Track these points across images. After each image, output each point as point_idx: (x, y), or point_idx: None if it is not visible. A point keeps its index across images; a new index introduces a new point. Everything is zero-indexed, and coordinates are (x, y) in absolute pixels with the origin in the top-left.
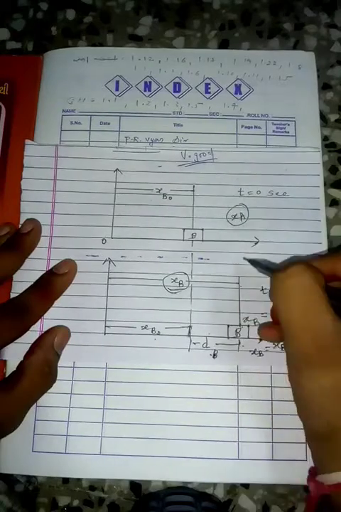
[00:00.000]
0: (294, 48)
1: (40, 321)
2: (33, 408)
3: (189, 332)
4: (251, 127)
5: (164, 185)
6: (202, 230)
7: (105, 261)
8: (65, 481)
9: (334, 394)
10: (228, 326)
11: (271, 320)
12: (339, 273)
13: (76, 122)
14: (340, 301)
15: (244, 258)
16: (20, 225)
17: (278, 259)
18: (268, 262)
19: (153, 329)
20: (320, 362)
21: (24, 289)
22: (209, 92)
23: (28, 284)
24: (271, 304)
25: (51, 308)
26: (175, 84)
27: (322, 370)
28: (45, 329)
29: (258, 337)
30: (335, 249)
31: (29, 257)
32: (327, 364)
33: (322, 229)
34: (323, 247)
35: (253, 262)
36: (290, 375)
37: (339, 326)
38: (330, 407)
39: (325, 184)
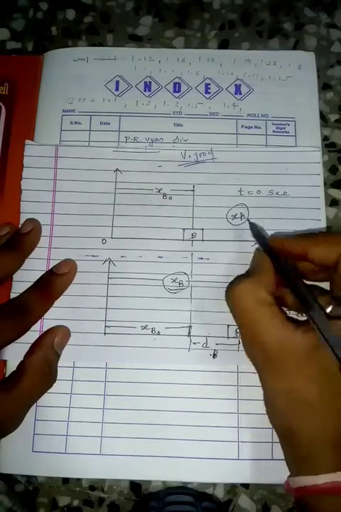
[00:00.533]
0: (294, 48)
1: (40, 321)
2: (33, 408)
3: (189, 332)
4: (251, 127)
5: (164, 185)
6: (202, 229)
7: (105, 261)
8: (65, 481)
9: (288, 398)
10: (228, 325)
11: None
12: (309, 256)
13: (76, 122)
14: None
15: (248, 219)
16: (20, 225)
17: None
18: (264, 233)
19: (153, 329)
20: (271, 367)
21: (24, 289)
22: (209, 92)
23: (28, 284)
24: None
25: (51, 308)
26: (175, 84)
27: (275, 375)
28: (45, 329)
29: None
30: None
31: (29, 257)
32: (277, 369)
33: (322, 229)
34: None
35: (252, 225)
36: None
37: (285, 335)
38: (285, 409)
39: (325, 184)
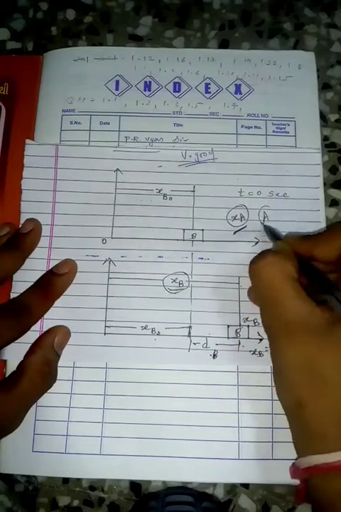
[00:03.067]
0: (294, 48)
1: (40, 321)
2: (33, 408)
3: (189, 332)
4: (251, 127)
5: (164, 186)
6: (202, 230)
7: (105, 261)
8: (65, 481)
9: (301, 368)
10: (228, 326)
11: None
12: (315, 255)
13: (76, 122)
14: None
15: (262, 223)
16: (20, 225)
17: None
18: (277, 232)
19: (153, 329)
20: (289, 337)
21: (24, 288)
22: (209, 92)
23: (29, 284)
24: None
25: (51, 308)
26: (174, 84)
27: (291, 344)
28: (45, 329)
29: (259, 337)
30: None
31: (29, 256)
32: (295, 340)
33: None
34: None
35: (266, 228)
36: (270, 352)
37: (306, 308)
38: (298, 379)
39: (325, 184)
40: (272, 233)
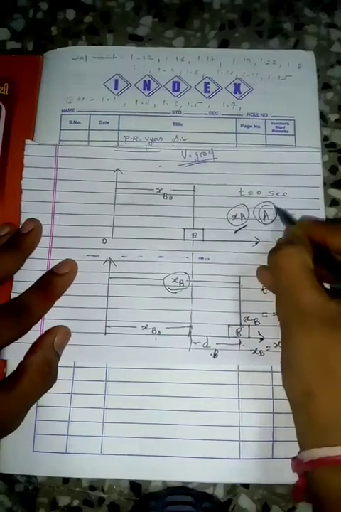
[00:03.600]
0: (294, 47)
1: (40, 321)
2: (33, 408)
3: (189, 332)
4: (251, 126)
5: (164, 185)
6: (203, 229)
7: (106, 261)
8: (65, 481)
9: (313, 356)
10: (229, 325)
11: None
12: (328, 244)
13: (75, 121)
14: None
15: (274, 206)
16: (20, 225)
17: None
18: (290, 216)
19: (153, 329)
20: (303, 326)
21: (25, 288)
22: (209, 91)
23: (29, 284)
24: (271, 303)
25: (52, 308)
26: (174, 83)
27: (303, 331)
28: (45, 329)
29: (259, 336)
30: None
31: (30, 256)
32: (309, 329)
33: None
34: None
35: (278, 210)
36: (281, 339)
37: (320, 300)
38: (308, 368)
39: (324, 184)
40: (285, 216)
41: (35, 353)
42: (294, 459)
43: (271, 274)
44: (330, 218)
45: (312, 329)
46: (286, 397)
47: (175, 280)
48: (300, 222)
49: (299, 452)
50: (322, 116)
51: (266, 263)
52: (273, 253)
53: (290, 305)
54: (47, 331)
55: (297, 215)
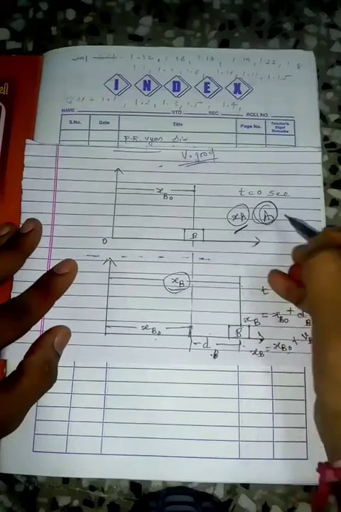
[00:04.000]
0: (294, 47)
1: (40, 320)
2: (33, 408)
3: (189, 332)
4: (251, 126)
5: (165, 185)
6: (203, 230)
7: (106, 261)
8: (65, 481)
9: None
10: (229, 326)
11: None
12: None
13: (75, 121)
14: None
15: (285, 215)
16: (20, 225)
17: (278, 260)
18: (305, 224)
19: (153, 329)
20: None
21: (25, 288)
22: (209, 91)
23: (29, 284)
24: (271, 303)
25: (52, 308)
26: (174, 83)
27: None
28: (45, 329)
29: (259, 337)
30: None
31: (30, 256)
32: None
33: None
34: None
35: (292, 221)
36: (315, 349)
37: None
38: None
39: (325, 184)
40: (304, 228)
41: (35, 352)
42: (323, 466)
43: (304, 281)
44: (329, 218)
45: None
46: (286, 398)
47: (175, 280)
48: (325, 231)
49: (331, 461)
50: (322, 116)
51: (266, 263)
52: (308, 259)
53: (331, 313)
54: (47, 331)
55: (298, 214)
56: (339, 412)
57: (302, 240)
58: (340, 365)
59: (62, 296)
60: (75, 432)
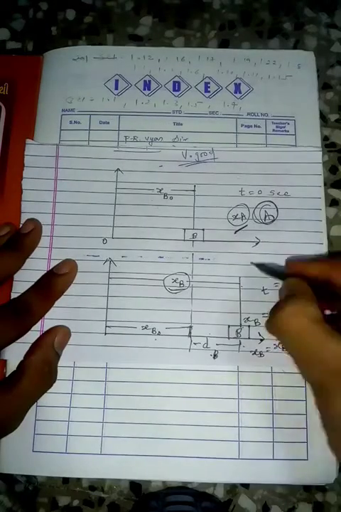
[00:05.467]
0: (294, 48)
1: (40, 320)
2: (33, 408)
3: (189, 332)
4: (251, 126)
5: (165, 185)
6: (203, 230)
7: (106, 261)
8: (65, 481)
9: None
10: (229, 326)
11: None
12: (333, 280)
13: (75, 121)
14: None
15: (251, 263)
16: (20, 225)
17: (278, 260)
18: (274, 266)
19: (153, 329)
20: (338, 386)
21: (25, 288)
22: (209, 91)
23: (29, 284)
24: (271, 303)
25: (52, 308)
26: (174, 83)
27: None
28: (45, 329)
29: (259, 337)
30: (332, 254)
31: (30, 256)
32: None
33: (323, 229)
34: (324, 248)
35: (260, 266)
36: (316, 403)
37: None
38: None
39: (325, 184)
40: (271, 271)
41: (35, 352)
42: None
43: (279, 340)
44: (329, 218)
45: None
46: (286, 398)
47: (175, 280)
48: (291, 262)
49: None
50: (322, 116)
51: (270, 265)
52: (273, 316)
53: (314, 367)
54: (47, 331)
55: (298, 214)
56: None
57: (302, 242)
58: None
59: (62, 296)
60: (75, 432)
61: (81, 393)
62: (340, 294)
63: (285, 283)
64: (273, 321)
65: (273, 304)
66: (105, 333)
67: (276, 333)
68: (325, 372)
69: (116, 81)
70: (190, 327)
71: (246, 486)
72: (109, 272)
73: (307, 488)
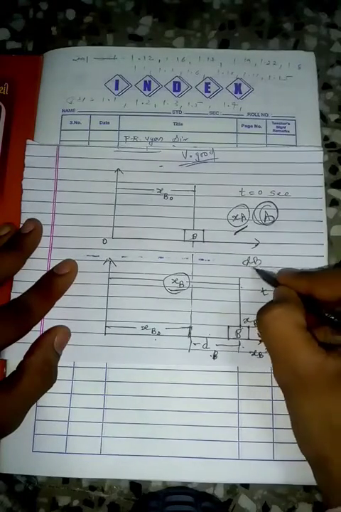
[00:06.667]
0: (294, 48)
1: (40, 320)
2: (33, 408)
3: (189, 333)
4: (251, 126)
5: (165, 186)
6: (203, 230)
7: (106, 261)
8: (65, 481)
9: (321, 422)
10: (228, 326)
11: None
12: (315, 293)
13: (75, 122)
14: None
15: (253, 267)
16: (21, 225)
17: (278, 260)
18: (271, 273)
19: (153, 330)
20: (303, 391)
21: (25, 289)
22: (209, 91)
23: (29, 284)
24: None
25: (52, 308)
26: (174, 83)
27: (308, 399)
28: (45, 329)
29: (259, 338)
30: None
31: (30, 256)
32: (310, 393)
33: (323, 230)
34: (324, 248)
35: (259, 272)
36: (286, 405)
37: (318, 359)
38: (318, 434)
39: (325, 184)
40: (266, 276)
41: (34, 353)
42: None
43: (262, 337)
44: (329, 218)
45: (315, 393)
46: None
47: (175, 281)
48: (281, 273)
49: (325, 510)
50: (322, 116)
51: (266, 264)
52: (260, 315)
53: (287, 369)
54: (47, 331)
55: (299, 214)
56: (315, 465)
57: (302, 242)
58: (307, 421)
59: (62, 296)
60: (75, 432)
61: (81, 393)
62: (323, 306)
63: (276, 290)
64: (260, 320)
65: None
66: (105, 333)
67: (261, 331)
68: (294, 376)
69: (117, 81)
70: (190, 327)
71: (246, 486)
72: (109, 272)
73: (307, 488)
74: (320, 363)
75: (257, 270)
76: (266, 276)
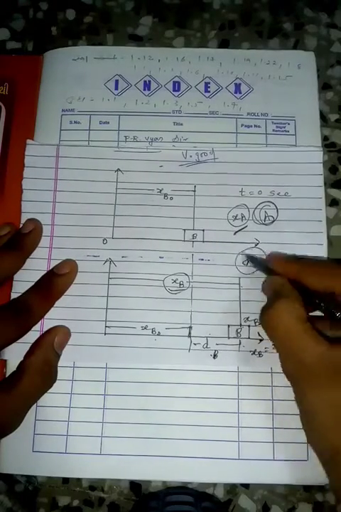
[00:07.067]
0: (294, 47)
1: (40, 320)
2: (33, 408)
3: (189, 333)
4: (251, 126)
5: (165, 186)
6: (203, 230)
7: (106, 261)
8: (65, 481)
9: (331, 413)
10: (228, 326)
11: None
12: (304, 280)
13: (75, 122)
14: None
15: (242, 253)
16: (20, 225)
17: None
18: (262, 260)
19: (153, 330)
20: (311, 383)
21: (25, 288)
22: (209, 91)
23: (29, 284)
24: None
25: (52, 308)
26: (174, 83)
27: (315, 390)
28: (45, 329)
29: (259, 337)
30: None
31: (30, 256)
32: (323, 384)
33: (323, 230)
34: (324, 248)
35: (251, 258)
36: (295, 398)
37: (322, 348)
38: (330, 426)
39: (324, 184)
40: (255, 260)
41: (35, 353)
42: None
43: (268, 335)
44: (329, 218)
45: (323, 385)
46: (286, 399)
47: (175, 281)
48: (270, 257)
49: (338, 505)
50: (322, 116)
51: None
52: (264, 313)
53: (294, 363)
54: (47, 331)
55: (299, 214)
56: (328, 460)
57: (302, 242)
58: (318, 414)
59: (62, 296)
60: (75, 432)
61: (81, 393)
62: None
63: (270, 281)
64: (264, 317)
65: None
66: (105, 334)
67: (266, 328)
68: (302, 365)
69: (116, 81)
70: (190, 327)
71: (246, 486)
72: (109, 272)
73: (307, 488)
74: (325, 354)
75: (248, 256)
76: (257, 262)
